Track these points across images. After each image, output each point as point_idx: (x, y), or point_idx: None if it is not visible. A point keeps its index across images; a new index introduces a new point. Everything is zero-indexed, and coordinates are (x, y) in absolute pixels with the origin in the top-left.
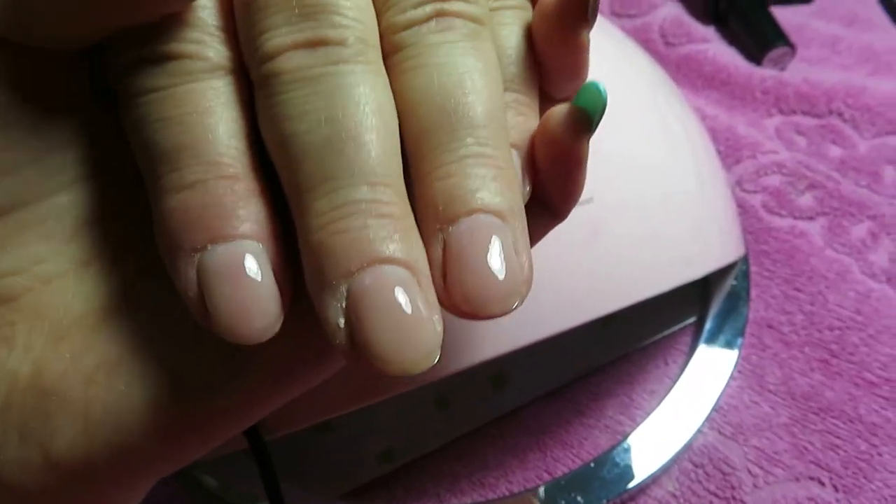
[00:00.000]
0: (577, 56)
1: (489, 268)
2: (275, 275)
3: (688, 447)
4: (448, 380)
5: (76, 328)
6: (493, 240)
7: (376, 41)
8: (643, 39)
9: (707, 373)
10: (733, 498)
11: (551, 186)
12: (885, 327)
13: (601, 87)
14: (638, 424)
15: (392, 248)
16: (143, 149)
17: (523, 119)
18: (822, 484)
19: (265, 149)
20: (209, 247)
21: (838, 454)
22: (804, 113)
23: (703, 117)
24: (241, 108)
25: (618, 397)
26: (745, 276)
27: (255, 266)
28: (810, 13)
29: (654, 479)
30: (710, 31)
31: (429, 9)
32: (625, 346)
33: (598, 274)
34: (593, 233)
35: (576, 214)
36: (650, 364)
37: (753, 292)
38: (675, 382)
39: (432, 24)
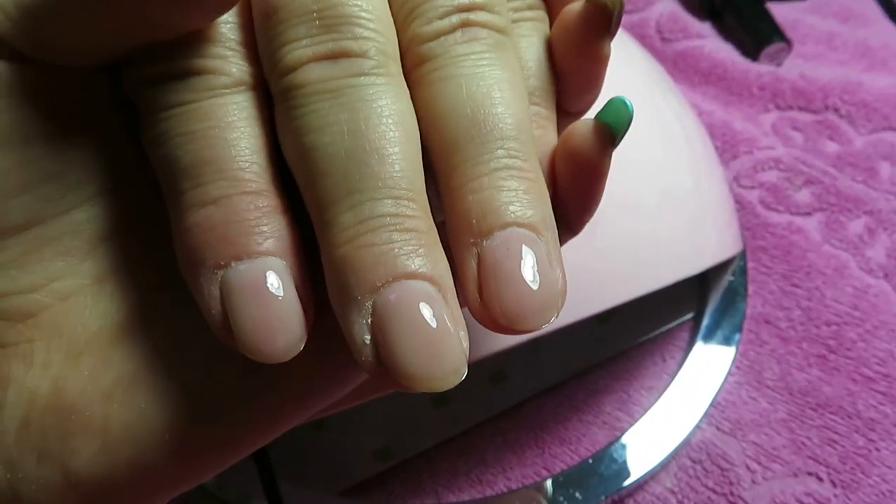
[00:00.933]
0: (596, 68)
1: (525, 281)
2: (298, 292)
3: (686, 443)
4: None
5: (94, 345)
6: (527, 253)
7: (396, 54)
8: (640, 35)
9: (705, 369)
10: (731, 493)
11: (570, 201)
12: (882, 322)
13: (627, 102)
14: (636, 421)
15: (417, 263)
16: (165, 164)
17: (543, 132)
18: (820, 479)
19: (285, 165)
20: (233, 264)
21: (836, 449)
22: (800, 109)
23: (700, 113)
24: (262, 124)
25: (616, 394)
26: (743, 271)
27: (278, 283)
28: (806, 9)
29: (652, 476)
30: (706, 27)
31: (455, 19)
32: (623, 343)
33: (596, 270)
34: (591, 228)
35: None
36: (648, 360)
37: (751, 288)
38: (672, 378)
39: (458, 34)
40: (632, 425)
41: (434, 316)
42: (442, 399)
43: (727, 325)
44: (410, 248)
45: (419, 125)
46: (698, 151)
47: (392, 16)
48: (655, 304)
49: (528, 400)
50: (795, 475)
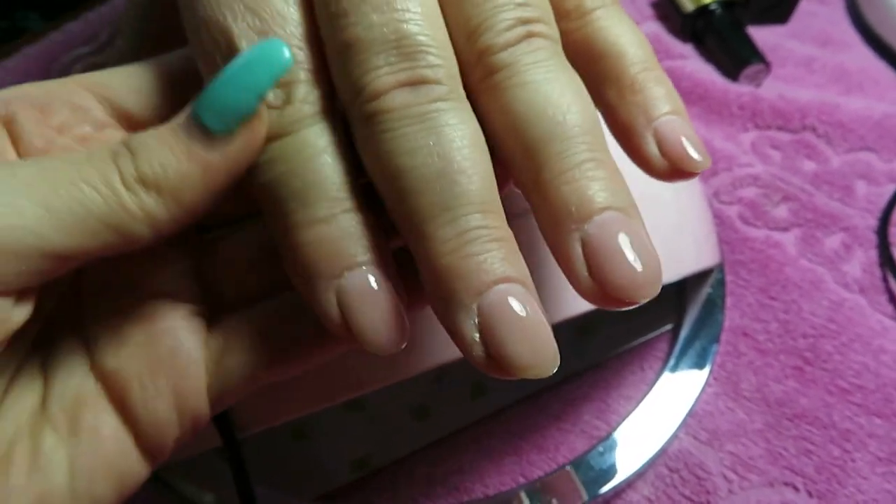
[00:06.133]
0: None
1: (631, 257)
2: (395, 290)
3: (663, 452)
4: (427, 388)
5: None
6: (627, 233)
7: (458, 75)
8: None
9: (682, 379)
10: (708, 502)
11: None
12: (857, 335)
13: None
14: (614, 429)
15: (510, 269)
16: (269, 190)
17: None
18: (797, 489)
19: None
20: (345, 274)
21: (812, 460)
22: (779, 128)
23: None
24: (341, 146)
25: (594, 402)
26: (721, 284)
27: (383, 288)
28: (785, 34)
29: (629, 484)
30: (688, 49)
31: (520, 31)
32: (603, 354)
33: None
34: None
35: None
36: (626, 370)
37: (729, 301)
38: (650, 388)
39: (524, 45)
40: (610, 433)
41: (529, 311)
42: (423, 412)
43: (705, 336)
44: (502, 254)
45: (494, 129)
46: None
47: (453, 30)
48: (635, 315)
49: (506, 408)
50: (772, 485)
